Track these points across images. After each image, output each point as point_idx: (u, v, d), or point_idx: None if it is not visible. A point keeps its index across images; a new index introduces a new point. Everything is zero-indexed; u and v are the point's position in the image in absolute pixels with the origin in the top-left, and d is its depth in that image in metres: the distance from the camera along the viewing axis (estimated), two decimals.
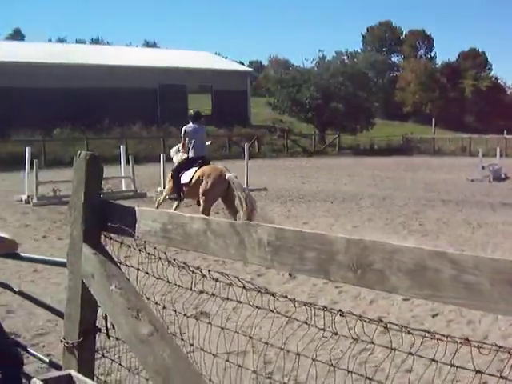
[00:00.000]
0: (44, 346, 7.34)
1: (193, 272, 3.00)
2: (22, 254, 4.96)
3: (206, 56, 64.65)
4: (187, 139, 16.01)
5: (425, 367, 2.66)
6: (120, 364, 3.95)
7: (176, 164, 16.21)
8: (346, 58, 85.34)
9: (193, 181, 15.18)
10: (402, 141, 59.20)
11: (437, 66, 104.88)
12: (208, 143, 17.11)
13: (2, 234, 4.79)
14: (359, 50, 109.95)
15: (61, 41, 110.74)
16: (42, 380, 3.06)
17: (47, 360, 5.60)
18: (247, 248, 2.64)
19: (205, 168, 15.35)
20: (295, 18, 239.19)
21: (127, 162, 23.23)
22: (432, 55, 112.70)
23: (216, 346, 3.22)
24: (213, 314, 3.28)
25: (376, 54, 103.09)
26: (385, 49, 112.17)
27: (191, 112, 17.33)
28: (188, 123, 16.35)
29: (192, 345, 3.20)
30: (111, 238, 3.58)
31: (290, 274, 10.38)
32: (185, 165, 15.79)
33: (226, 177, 14.71)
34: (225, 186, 14.76)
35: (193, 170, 15.40)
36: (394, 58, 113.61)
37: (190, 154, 15.92)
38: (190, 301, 3.22)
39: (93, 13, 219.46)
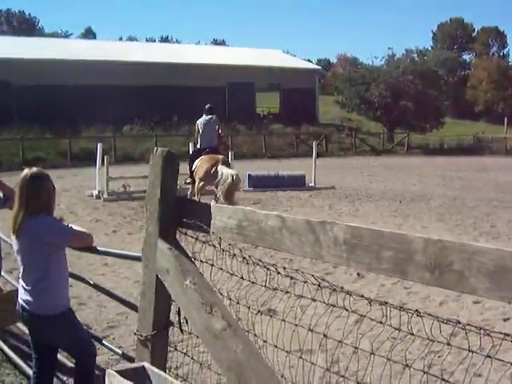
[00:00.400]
0: (114, 339, 7.45)
1: (267, 269, 3.02)
2: (98, 248, 5.07)
3: (274, 54, 64.60)
4: (199, 131, 17.66)
5: (497, 372, 2.63)
6: (192, 358, 4.00)
7: (190, 154, 18.01)
8: (415, 55, 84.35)
9: (195, 168, 16.47)
10: (472, 140, 58.05)
11: (510, 63, 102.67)
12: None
13: (79, 228, 4.91)
14: (429, 48, 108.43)
15: (131, 39, 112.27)
16: (116, 371, 3.12)
17: (120, 352, 5.71)
18: (322, 246, 2.65)
19: (204, 156, 16.38)
20: (364, 15, 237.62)
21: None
22: (505, 53, 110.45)
23: (286, 343, 3.24)
24: (282, 311, 3.30)
25: (447, 52, 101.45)
26: (456, 46, 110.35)
27: (206, 106, 18.84)
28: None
29: (265, 341, 3.22)
30: (186, 234, 3.63)
31: (358, 274, 10.35)
32: (196, 154, 17.26)
33: (218, 168, 15.54)
34: (214, 176, 15.66)
35: (199, 158, 16.57)
36: (466, 56, 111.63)
37: (198, 145, 17.68)
38: (263, 297, 3.24)
39: (162, 11, 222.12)
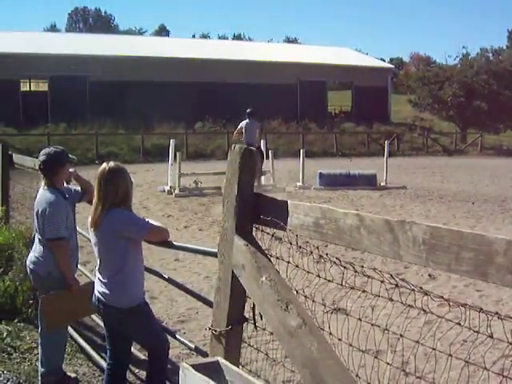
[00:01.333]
0: (185, 333, 7.53)
1: (344, 267, 3.02)
2: (175, 243, 5.14)
3: (346, 52, 64.30)
4: (242, 129, 22.23)
5: None
6: (266, 354, 4.02)
7: None
8: (490, 54, 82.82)
9: None
10: None
11: None
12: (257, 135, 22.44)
13: (156, 223, 4.98)
14: (505, 47, 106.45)
15: (204, 37, 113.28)
16: (191, 365, 3.15)
17: (192, 346, 5.77)
18: (401, 246, 2.64)
19: None
20: (438, 13, 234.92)
21: (267, 156, 23.46)
22: None
23: (359, 343, 3.23)
24: (355, 310, 3.29)
25: None
26: None
27: (248, 110, 22.70)
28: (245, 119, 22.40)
29: (340, 339, 3.23)
30: (262, 231, 3.65)
31: (429, 275, 10.25)
32: None
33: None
34: None
35: None
36: None
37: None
38: (338, 296, 3.24)
39: (235, 9, 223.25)
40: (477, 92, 54.05)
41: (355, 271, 2.94)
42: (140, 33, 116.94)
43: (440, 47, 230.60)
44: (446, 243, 2.43)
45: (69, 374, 6.18)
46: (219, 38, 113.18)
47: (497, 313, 2.29)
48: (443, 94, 54.53)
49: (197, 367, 3.14)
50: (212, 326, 3.91)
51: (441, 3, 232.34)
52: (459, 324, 2.49)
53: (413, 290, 2.61)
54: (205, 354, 4.85)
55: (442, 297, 2.53)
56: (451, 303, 2.49)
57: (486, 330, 2.40)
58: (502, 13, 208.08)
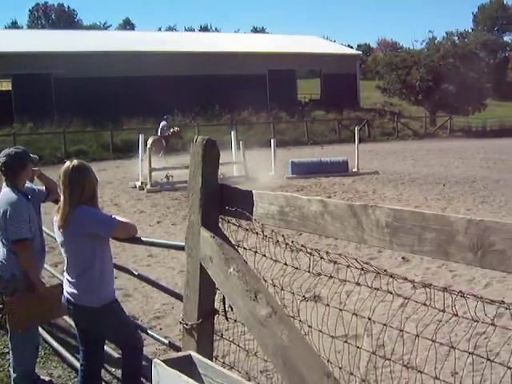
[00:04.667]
0: (161, 329, 7.50)
1: (310, 254, 3.01)
2: (143, 239, 5.10)
3: (314, 40, 64.36)
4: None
5: None
6: (239, 346, 4.01)
7: None
8: (456, 38, 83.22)
9: None
10: None
11: None
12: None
13: (123, 219, 4.94)
14: (470, 30, 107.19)
15: (170, 29, 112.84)
16: (163, 361, 3.13)
17: (166, 342, 5.75)
18: (365, 229, 2.64)
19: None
20: None
21: (238, 147, 23.46)
22: None
23: (330, 328, 3.23)
24: (327, 296, 3.29)
25: (487, 34, 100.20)
26: (496, 28, 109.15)
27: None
28: None
29: (310, 327, 3.22)
30: (229, 222, 3.64)
31: (403, 258, 10.31)
32: None
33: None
34: None
35: None
36: (507, 38, 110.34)
37: None
38: (307, 283, 3.23)
39: (201, 1, 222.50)
40: (444, 75, 54.38)
41: (321, 258, 2.93)
42: (104, 27, 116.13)
43: (406, 32, 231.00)
44: (409, 225, 2.43)
45: (43, 377, 6.12)
46: (186, 30, 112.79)
47: (460, 291, 2.30)
48: (411, 78, 54.89)
49: (169, 362, 3.12)
50: (183, 320, 3.88)
51: None
52: (425, 305, 2.49)
53: (378, 273, 2.61)
54: (179, 349, 4.82)
55: (406, 278, 2.53)
56: (416, 284, 2.49)
57: (452, 310, 2.41)
58: None
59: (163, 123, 32.56)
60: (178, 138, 33.77)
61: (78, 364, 5.78)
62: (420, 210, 2.45)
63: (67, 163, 4.81)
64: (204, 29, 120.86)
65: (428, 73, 54.36)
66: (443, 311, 2.45)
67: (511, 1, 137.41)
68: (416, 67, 55.26)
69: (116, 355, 6.00)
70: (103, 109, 39.85)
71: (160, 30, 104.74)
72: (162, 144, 30.59)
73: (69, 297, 4.85)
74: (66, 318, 6.98)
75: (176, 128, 33.42)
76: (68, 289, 4.86)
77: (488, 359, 2.41)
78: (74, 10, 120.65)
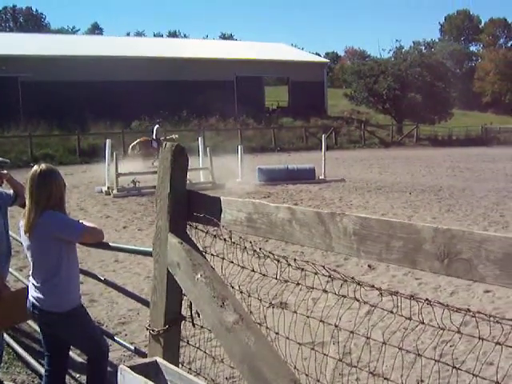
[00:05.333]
0: (126, 335, 7.46)
1: (278, 261, 3.02)
2: (110, 244, 5.07)
3: (282, 47, 64.57)
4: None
5: (508, 360, 2.64)
6: (205, 352, 4.00)
7: None
8: (423, 47, 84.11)
9: None
10: (480, 131, 58.11)
11: None
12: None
13: (90, 224, 4.91)
14: (437, 40, 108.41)
15: (138, 34, 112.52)
16: (128, 366, 3.12)
17: (132, 348, 5.72)
18: (332, 237, 2.65)
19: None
20: (371, 7, 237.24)
21: (205, 153, 23.44)
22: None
23: (298, 336, 3.24)
24: (294, 303, 3.30)
25: (454, 44, 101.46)
26: (463, 38, 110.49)
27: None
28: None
29: (277, 333, 3.22)
30: (196, 228, 3.63)
31: (369, 266, 10.36)
32: None
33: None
34: None
35: None
36: (473, 48, 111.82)
37: None
38: (274, 289, 3.24)
39: (170, 6, 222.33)
40: (411, 84, 54.95)
41: (288, 264, 2.94)
42: (73, 31, 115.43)
43: (374, 41, 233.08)
44: (376, 233, 2.44)
45: (6, 382, 6.06)
46: (154, 35, 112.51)
47: (427, 299, 2.31)
48: (378, 87, 55.31)
49: (135, 368, 3.10)
50: (150, 325, 3.87)
51: None
52: (392, 312, 2.51)
53: (345, 280, 2.62)
54: (145, 355, 4.80)
55: (373, 286, 2.54)
56: (382, 292, 2.51)
57: (418, 317, 2.43)
58: (434, 6, 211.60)
59: (157, 127, 33.00)
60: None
61: (42, 369, 5.72)
62: (387, 219, 2.47)
63: (35, 167, 4.77)
64: (172, 34, 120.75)
65: (395, 81, 54.84)
66: (410, 319, 2.47)
67: (477, 11, 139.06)
68: (383, 76, 55.71)
69: (81, 361, 5.96)
70: (70, 113, 39.65)
71: (128, 35, 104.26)
72: (151, 146, 30.66)
73: (34, 301, 4.80)
74: (31, 322, 6.91)
75: (175, 136, 33.77)
76: (33, 293, 4.82)
77: (454, 367, 2.43)
78: (42, 14, 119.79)
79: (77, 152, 36.63)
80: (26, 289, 5.17)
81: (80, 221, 4.91)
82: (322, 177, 24.58)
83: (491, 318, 2.13)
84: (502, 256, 2.05)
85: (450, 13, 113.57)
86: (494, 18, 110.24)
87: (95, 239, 4.88)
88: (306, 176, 24.07)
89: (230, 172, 24.83)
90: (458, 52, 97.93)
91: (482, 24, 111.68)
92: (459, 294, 8.90)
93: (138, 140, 29.79)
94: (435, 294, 8.81)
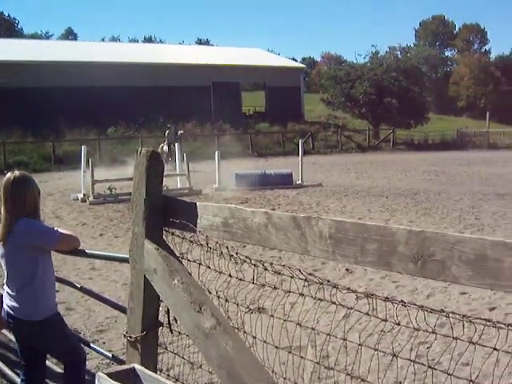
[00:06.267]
0: (104, 343, 7.41)
1: (254, 265, 3.03)
2: (86, 251, 5.04)
3: (258, 53, 64.67)
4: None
5: (483, 359, 2.65)
6: (183, 358, 3.99)
7: None
8: (399, 52, 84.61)
9: None
10: (456, 135, 58.56)
11: (491, 59, 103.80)
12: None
13: (65, 231, 4.88)
14: (412, 45, 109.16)
15: (114, 40, 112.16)
16: (106, 374, 3.11)
17: (110, 355, 5.68)
18: (308, 241, 2.66)
19: None
20: (347, 13, 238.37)
21: (182, 159, 23.41)
22: (486, 49, 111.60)
23: (276, 340, 3.24)
24: (272, 308, 3.30)
25: (429, 49, 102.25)
26: (438, 43, 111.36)
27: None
28: None
29: (255, 337, 3.23)
30: (173, 234, 3.63)
31: (346, 269, 10.38)
32: None
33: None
34: None
35: None
36: (448, 53, 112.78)
37: None
38: (251, 294, 3.24)
39: (146, 11, 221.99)
40: (387, 89, 55.26)
41: (265, 269, 2.94)
42: (46, 37, 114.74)
43: (350, 46, 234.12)
44: (351, 236, 2.46)
45: None
46: (130, 40, 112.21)
47: (402, 301, 2.33)
48: (355, 92, 55.58)
49: (112, 375, 3.09)
50: (127, 332, 3.86)
51: (349, 2, 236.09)
52: (368, 314, 2.52)
53: (321, 283, 2.63)
54: (123, 363, 4.77)
55: (349, 288, 2.56)
56: (358, 294, 2.52)
57: (394, 319, 2.45)
58: (410, 11, 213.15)
59: (167, 132, 34.50)
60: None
61: (18, 380, 5.66)
62: (362, 222, 2.49)
63: (8, 174, 4.72)
64: (148, 40, 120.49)
65: (371, 86, 55.11)
66: (385, 320, 2.49)
67: (452, 17, 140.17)
68: (359, 81, 55.98)
69: (58, 370, 5.91)
70: (45, 119, 39.40)
71: (103, 40, 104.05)
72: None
73: (9, 310, 4.75)
74: (6, 332, 6.85)
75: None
76: (8, 302, 4.77)
77: (430, 367, 2.44)
78: (15, 19, 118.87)
79: (52, 159, 36.41)
80: (1, 297, 5.12)
81: (55, 228, 4.87)
82: (299, 182, 24.61)
83: (464, 318, 2.15)
84: (474, 257, 2.08)
85: (425, 18, 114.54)
86: (467, 24, 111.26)
87: (71, 246, 4.84)
88: (284, 181, 24.10)
89: (207, 178, 24.81)
90: (433, 57, 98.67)
91: (457, 29, 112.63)
92: (436, 297, 8.94)
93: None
94: (412, 296, 8.85)
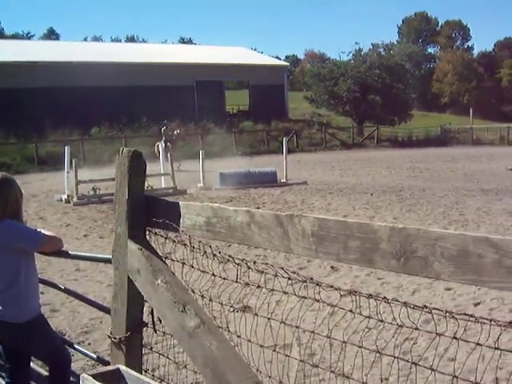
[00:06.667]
0: (89, 344, 7.39)
1: (238, 264, 3.02)
2: (69, 252, 5.02)
3: (242, 51, 64.68)
4: None
5: (467, 354, 2.66)
6: (168, 358, 3.99)
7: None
8: (382, 50, 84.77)
9: None
10: (440, 132, 58.85)
11: (473, 56, 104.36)
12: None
13: (48, 233, 4.85)
14: (395, 42, 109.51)
15: (96, 39, 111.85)
16: (91, 375, 3.09)
17: (95, 356, 5.66)
18: (291, 239, 2.66)
19: None
20: (330, 10, 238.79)
21: (166, 159, 23.38)
22: (469, 45, 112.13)
23: (261, 339, 3.24)
24: (257, 307, 3.30)
25: (412, 46, 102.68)
26: (421, 40, 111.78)
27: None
28: None
29: (239, 336, 3.23)
30: (156, 233, 3.62)
31: (331, 267, 10.40)
32: None
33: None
34: None
35: None
36: (431, 49, 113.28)
37: None
38: (236, 293, 3.24)
39: (127, 11, 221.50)
40: (371, 86, 55.47)
41: (248, 267, 2.94)
42: (28, 37, 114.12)
43: (333, 44, 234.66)
44: (334, 233, 2.46)
45: None
46: (112, 40, 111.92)
47: (385, 297, 2.34)
48: (338, 89, 55.76)
49: (97, 376, 3.09)
50: (111, 333, 3.84)
51: (332, 0, 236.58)
52: (351, 311, 2.52)
53: (305, 281, 2.63)
54: (108, 364, 4.75)
55: (332, 286, 2.56)
56: (342, 292, 2.52)
57: (378, 316, 2.45)
58: (392, 8, 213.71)
59: (163, 129, 34.74)
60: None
61: (3, 382, 5.65)
62: (344, 219, 2.49)
63: None
64: (130, 39, 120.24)
65: (355, 84, 55.31)
66: (369, 317, 2.49)
67: (435, 13, 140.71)
68: (343, 78, 56.15)
69: (43, 372, 5.89)
70: (27, 120, 39.15)
71: (86, 40, 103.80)
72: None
73: None
74: None
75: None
76: None
77: (414, 363, 2.45)
78: None
79: (35, 160, 36.27)
80: None
81: (38, 229, 4.85)
82: (283, 180, 24.64)
83: (447, 314, 2.16)
84: (456, 253, 2.09)
85: (408, 15, 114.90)
86: (449, 20, 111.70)
87: (54, 248, 4.82)
88: (268, 179, 24.13)
89: (191, 177, 24.79)
90: (416, 54, 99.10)
91: (439, 26, 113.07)
92: (421, 293, 8.98)
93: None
94: (397, 293, 8.88)
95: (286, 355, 3.09)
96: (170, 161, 22.65)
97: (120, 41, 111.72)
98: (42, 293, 5.63)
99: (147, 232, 3.65)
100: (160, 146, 27.15)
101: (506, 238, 1.99)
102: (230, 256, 3.07)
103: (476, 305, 8.29)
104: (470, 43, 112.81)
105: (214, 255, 3.15)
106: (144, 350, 3.94)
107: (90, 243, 13.73)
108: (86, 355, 5.83)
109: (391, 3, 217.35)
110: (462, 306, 8.11)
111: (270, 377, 3.12)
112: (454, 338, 2.23)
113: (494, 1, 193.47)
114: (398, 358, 2.51)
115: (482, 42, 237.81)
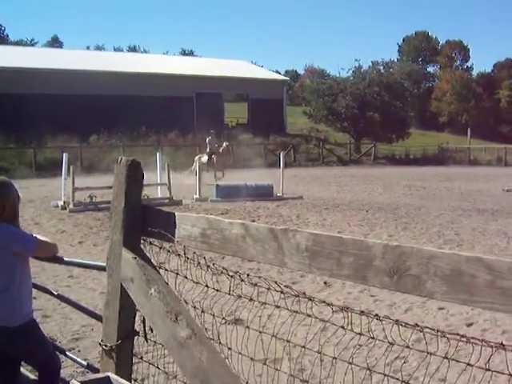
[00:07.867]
0: (80, 351, 7.36)
1: (231, 277, 3.03)
2: (65, 258, 5.02)
3: (242, 65, 64.82)
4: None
5: (458, 375, 2.67)
6: (158, 367, 3.98)
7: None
8: (382, 67, 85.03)
9: None
10: (437, 151, 58.98)
11: (473, 76, 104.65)
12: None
13: (44, 238, 4.85)
14: (395, 60, 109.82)
15: (99, 48, 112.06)
16: (80, 382, 3.09)
17: (85, 363, 5.64)
18: (285, 253, 2.67)
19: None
20: (331, 27, 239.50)
21: (163, 169, 23.38)
22: (468, 65, 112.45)
23: (252, 352, 3.24)
24: (248, 319, 3.30)
25: (412, 64, 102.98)
26: (421, 59, 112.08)
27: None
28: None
29: (230, 348, 3.23)
30: (151, 243, 3.62)
31: (325, 283, 10.39)
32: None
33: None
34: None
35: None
36: (430, 68, 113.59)
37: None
38: (228, 305, 3.24)
39: (131, 21, 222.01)
40: (369, 103, 55.59)
41: (241, 280, 2.94)
42: (32, 44, 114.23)
43: (333, 60, 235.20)
44: (328, 249, 2.47)
45: None
46: (114, 49, 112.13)
47: (376, 315, 2.34)
48: (337, 105, 55.88)
49: (87, 383, 3.08)
50: (102, 340, 3.84)
51: (333, 16, 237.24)
52: (343, 327, 2.53)
53: (297, 296, 2.64)
54: (98, 371, 4.74)
55: (324, 301, 2.57)
56: (334, 308, 2.53)
57: (369, 333, 2.45)
58: (393, 27, 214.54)
59: (209, 138, 33.25)
60: (227, 154, 34.99)
61: None
62: (339, 235, 2.50)
63: None
64: (132, 49, 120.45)
65: (354, 100, 55.45)
66: (361, 334, 2.50)
67: (436, 33, 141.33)
68: (342, 94, 56.29)
69: (32, 377, 5.87)
70: (27, 126, 39.18)
71: (88, 48, 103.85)
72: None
73: None
74: None
75: (226, 143, 34.32)
76: None
77: (403, 381, 2.45)
78: (1, 26, 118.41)
79: (33, 166, 36.24)
80: None
81: (34, 235, 4.85)
82: (279, 194, 24.63)
83: (439, 334, 2.16)
84: (449, 272, 2.10)
85: (409, 34, 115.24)
86: (450, 40, 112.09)
87: (49, 253, 4.82)
88: (264, 193, 24.12)
89: (187, 188, 24.77)
90: (415, 72, 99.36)
91: (440, 46, 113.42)
92: (414, 311, 8.96)
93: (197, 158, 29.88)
94: (390, 310, 8.85)
95: (276, 369, 3.09)
96: (168, 171, 22.63)
97: (122, 50, 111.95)
98: (35, 298, 5.61)
99: (142, 241, 3.65)
100: (201, 160, 27.17)
101: (499, 259, 2.00)
102: (223, 268, 3.08)
103: (469, 325, 8.27)
104: (469, 63, 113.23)
105: (208, 266, 3.15)
106: (134, 359, 3.94)
107: (84, 250, 13.71)
108: (76, 362, 5.81)
109: (392, 21, 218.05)
110: (455, 326, 8.09)
111: None
112: (445, 357, 2.24)
113: (494, 22, 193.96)
114: (388, 375, 2.52)
115: (481, 63, 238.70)
